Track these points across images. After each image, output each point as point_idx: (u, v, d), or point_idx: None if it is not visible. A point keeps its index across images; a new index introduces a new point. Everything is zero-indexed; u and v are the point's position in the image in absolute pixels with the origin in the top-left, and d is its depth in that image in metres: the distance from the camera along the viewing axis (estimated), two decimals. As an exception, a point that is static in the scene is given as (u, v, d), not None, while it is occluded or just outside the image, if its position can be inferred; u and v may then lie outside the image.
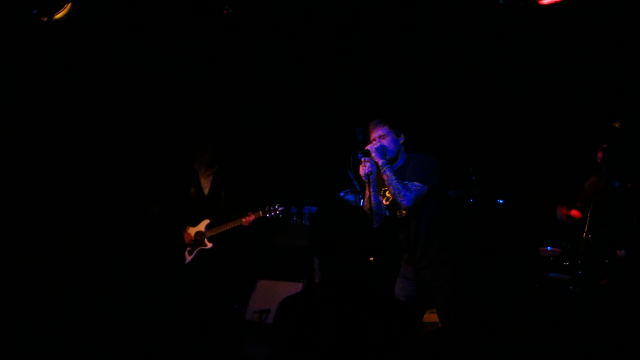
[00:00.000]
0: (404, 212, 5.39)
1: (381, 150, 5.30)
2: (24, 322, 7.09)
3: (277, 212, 7.16)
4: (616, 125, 6.37)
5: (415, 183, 5.24)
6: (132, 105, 8.36)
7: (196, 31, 7.51)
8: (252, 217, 7.16)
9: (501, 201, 8.17)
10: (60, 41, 6.76)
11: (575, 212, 6.94)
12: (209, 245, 7.37)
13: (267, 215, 7.15)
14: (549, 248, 7.52)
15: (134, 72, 8.05)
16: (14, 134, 7.46)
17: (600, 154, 6.57)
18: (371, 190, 5.38)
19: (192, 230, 7.47)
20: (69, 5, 5.66)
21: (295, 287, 7.47)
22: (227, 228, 7.29)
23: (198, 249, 7.39)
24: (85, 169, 8.13)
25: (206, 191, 7.58)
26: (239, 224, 7.22)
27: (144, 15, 6.91)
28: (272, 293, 7.53)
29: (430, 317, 6.38)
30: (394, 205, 5.43)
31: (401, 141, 5.47)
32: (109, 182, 8.26)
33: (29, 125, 7.62)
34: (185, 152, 7.73)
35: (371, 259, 6.30)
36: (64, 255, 7.78)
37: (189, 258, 7.42)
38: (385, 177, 5.26)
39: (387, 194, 5.47)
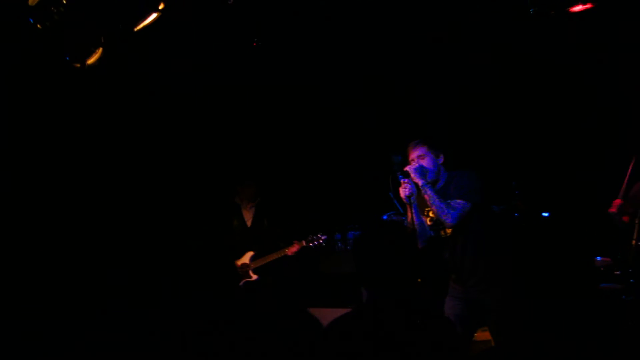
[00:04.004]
0: (448, 231, 5.34)
1: (420, 170, 5.27)
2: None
3: (321, 241, 7.16)
4: None
5: (459, 201, 5.20)
6: (173, 139, 8.42)
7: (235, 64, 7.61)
8: (295, 247, 7.17)
9: (546, 214, 8.08)
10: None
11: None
12: (254, 277, 7.37)
13: (311, 244, 7.15)
14: (598, 258, 7.40)
15: (176, 106, 8.13)
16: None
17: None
18: (413, 211, 5.34)
19: (237, 263, 7.48)
20: (100, 50, 5.73)
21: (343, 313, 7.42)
22: (272, 259, 7.29)
23: (244, 281, 7.40)
24: (130, 206, 8.18)
25: (249, 223, 7.61)
26: (283, 254, 7.22)
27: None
28: (322, 321, 7.48)
29: (483, 335, 6.30)
30: (437, 224, 5.39)
31: (440, 161, 5.44)
32: (151, 217, 8.28)
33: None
34: (227, 186, 7.76)
35: (419, 280, 6.25)
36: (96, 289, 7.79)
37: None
38: (426, 197, 5.22)
39: (430, 214, 5.42)
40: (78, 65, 5.73)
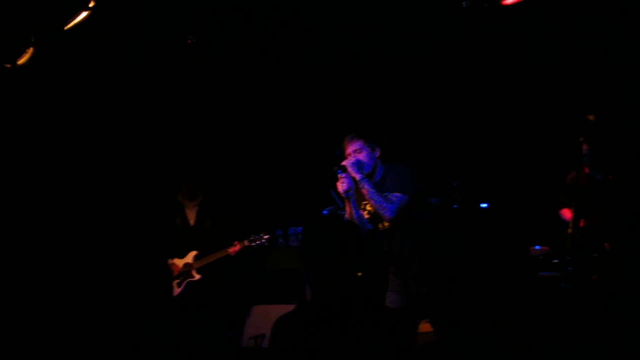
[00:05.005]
0: (386, 224, 5.37)
1: (357, 164, 5.27)
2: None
3: (263, 241, 7.14)
4: (590, 118, 6.39)
5: (395, 194, 5.21)
6: (117, 136, 8.36)
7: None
8: (237, 247, 7.14)
9: (485, 205, 8.16)
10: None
11: (566, 212, 6.92)
12: (197, 276, 7.32)
13: (253, 244, 7.13)
14: (537, 247, 7.50)
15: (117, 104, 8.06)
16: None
17: (585, 147, 6.58)
18: (352, 205, 5.36)
19: (179, 262, 7.43)
20: (31, 50, 5.65)
21: (289, 310, 7.43)
22: (214, 258, 7.25)
23: (186, 280, 7.34)
24: (68, 202, 8.10)
25: (192, 222, 7.55)
26: (225, 254, 7.19)
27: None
28: (266, 317, 7.49)
29: (425, 327, 6.35)
30: (375, 218, 5.41)
31: (377, 155, 5.45)
32: (92, 216, 8.20)
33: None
34: (170, 184, 7.70)
35: (359, 273, 6.28)
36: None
37: (177, 290, 7.37)
38: (364, 191, 5.22)
39: (368, 207, 5.44)
40: (9, 65, 5.65)
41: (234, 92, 8.62)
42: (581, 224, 6.61)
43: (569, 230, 6.54)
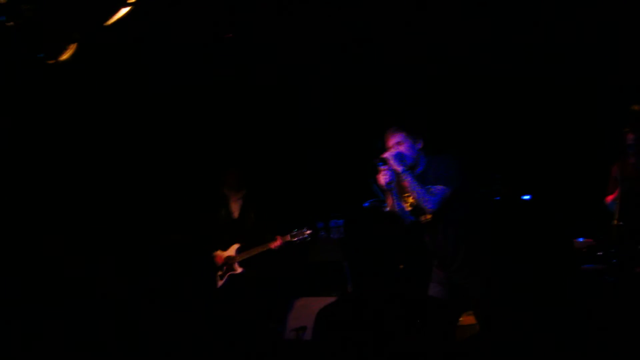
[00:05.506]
0: (428, 216, 5.35)
1: (399, 157, 5.26)
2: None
3: (305, 236, 7.14)
4: (636, 108, 6.31)
5: (438, 186, 5.20)
6: (161, 129, 8.46)
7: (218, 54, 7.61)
8: (279, 242, 7.15)
9: (527, 197, 8.09)
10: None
11: (609, 198, 6.85)
12: (239, 270, 7.35)
13: (295, 239, 7.13)
14: (580, 239, 7.42)
15: (163, 93, 8.15)
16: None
17: (630, 136, 6.51)
18: (393, 197, 5.36)
19: (222, 254, 7.46)
20: (74, 46, 5.70)
21: (330, 302, 7.44)
22: (257, 252, 7.27)
23: (229, 273, 7.38)
24: (115, 199, 8.22)
25: (235, 215, 7.57)
26: (267, 248, 7.20)
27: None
28: (308, 310, 7.50)
29: (468, 319, 6.33)
30: (417, 210, 5.40)
31: (419, 147, 5.43)
32: (137, 208, 8.29)
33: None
34: (215, 176, 7.73)
35: (401, 266, 6.28)
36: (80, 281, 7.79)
37: (220, 283, 7.41)
38: (406, 183, 5.21)
39: (410, 200, 5.43)
40: (52, 62, 5.70)
41: (278, 85, 8.63)
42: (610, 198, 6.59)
43: (615, 222, 6.47)
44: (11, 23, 5.25)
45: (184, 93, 8.28)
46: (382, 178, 5.28)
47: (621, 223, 6.41)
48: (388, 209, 5.44)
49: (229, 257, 7.42)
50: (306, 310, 7.55)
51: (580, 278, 7.15)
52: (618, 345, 5.89)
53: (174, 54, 7.54)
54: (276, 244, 7.16)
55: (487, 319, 5.34)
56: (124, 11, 5.68)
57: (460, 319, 6.28)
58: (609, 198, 6.81)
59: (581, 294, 6.98)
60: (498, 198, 7.90)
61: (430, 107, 8.36)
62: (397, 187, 5.38)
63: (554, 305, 7.01)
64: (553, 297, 7.17)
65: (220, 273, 7.43)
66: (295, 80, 8.51)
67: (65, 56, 5.71)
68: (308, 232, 7.14)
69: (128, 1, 5.56)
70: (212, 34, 7.31)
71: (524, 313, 6.73)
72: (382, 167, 5.28)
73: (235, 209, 7.58)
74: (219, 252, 7.51)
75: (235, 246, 7.43)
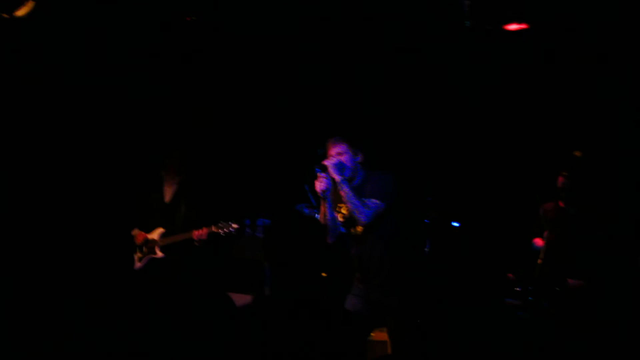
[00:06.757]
0: (359, 229, 5.37)
1: (339, 166, 5.27)
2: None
3: (231, 229, 7.05)
4: (577, 154, 6.44)
5: (374, 200, 5.23)
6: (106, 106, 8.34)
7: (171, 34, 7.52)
8: (204, 231, 7.04)
9: (456, 224, 8.18)
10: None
11: (538, 241, 6.96)
12: (160, 254, 7.25)
13: (220, 231, 7.03)
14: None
15: (113, 71, 8.02)
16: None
17: (561, 180, 6.65)
18: (327, 206, 5.36)
19: (143, 235, 7.33)
20: (31, 2, 5.58)
21: (244, 299, 7.39)
22: (180, 239, 7.17)
23: (149, 256, 7.27)
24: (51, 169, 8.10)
25: (167, 199, 7.45)
26: (189, 236, 7.10)
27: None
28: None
29: (380, 335, 6.37)
30: (349, 221, 5.42)
31: (358, 160, 5.46)
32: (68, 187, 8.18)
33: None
34: (154, 157, 7.62)
35: (324, 274, 6.29)
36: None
37: (138, 265, 7.29)
38: (342, 193, 5.22)
39: (343, 211, 5.44)
40: (6, 15, 5.57)
41: (228, 83, 8.60)
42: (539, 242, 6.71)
43: (539, 261, 6.59)
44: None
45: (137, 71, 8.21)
46: (319, 185, 5.27)
47: (545, 263, 6.55)
48: (320, 216, 5.44)
49: (151, 240, 7.30)
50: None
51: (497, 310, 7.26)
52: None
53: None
54: (200, 232, 7.06)
55: (401, 338, 5.37)
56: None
57: (372, 334, 6.31)
58: (537, 241, 6.93)
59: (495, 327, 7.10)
60: (427, 221, 7.97)
61: (373, 121, 8.42)
62: (332, 196, 5.38)
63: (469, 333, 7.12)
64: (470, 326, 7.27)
65: (139, 255, 7.31)
66: (254, 73, 8.50)
67: (21, 11, 5.59)
68: (235, 225, 7.06)
69: None
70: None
71: (438, 336, 6.81)
72: (320, 174, 5.27)
73: (168, 193, 7.45)
74: (138, 231, 7.38)
75: (160, 230, 7.30)
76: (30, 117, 7.87)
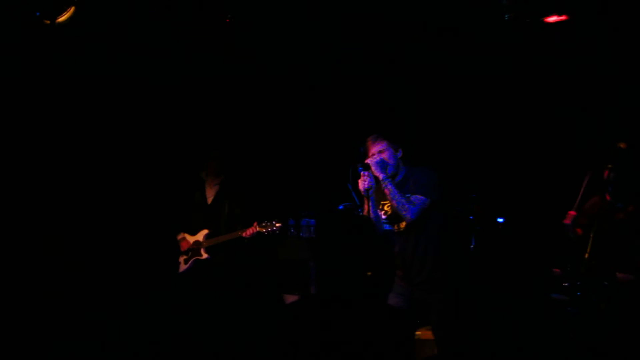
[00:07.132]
0: (402, 225, 5.35)
1: (381, 164, 5.26)
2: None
3: (275, 228, 7.07)
4: (622, 145, 6.34)
5: (418, 196, 5.20)
6: (143, 110, 8.41)
7: (205, 41, 7.55)
8: (251, 230, 7.08)
9: (501, 220, 8.11)
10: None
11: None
12: (205, 255, 7.29)
13: (264, 230, 7.06)
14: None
15: (145, 77, 8.08)
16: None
17: (606, 173, 6.55)
18: (370, 204, 5.35)
19: (190, 239, 7.40)
20: (72, 8, 5.63)
21: (291, 300, 7.43)
22: (225, 239, 7.21)
23: (194, 258, 7.32)
24: (91, 171, 8.18)
25: (209, 200, 7.51)
26: (236, 236, 7.14)
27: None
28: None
29: (425, 333, 6.33)
30: (392, 219, 5.39)
31: (399, 156, 5.44)
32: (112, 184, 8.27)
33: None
34: (194, 160, 7.68)
35: (369, 273, 6.26)
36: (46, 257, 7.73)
37: (183, 267, 7.35)
38: (387, 191, 5.21)
39: (386, 208, 5.42)
40: (48, 22, 5.63)
41: (269, 84, 8.63)
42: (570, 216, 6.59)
43: (586, 255, 6.49)
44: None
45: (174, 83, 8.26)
46: (362, 184, 5.27)
47: (592, 257, 6.45)
48: (364, 215, 5.42)
49: (196, 242, 7.36)
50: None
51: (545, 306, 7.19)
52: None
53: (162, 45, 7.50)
54: (249, 231, 7.09)
55: (445, 336, 5.33)
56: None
57: (418, 332, 6.27)
58: (571, 213, 6.77)
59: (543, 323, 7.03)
60: (472, 217, 7.92)
61: (414, 118, 8.38)
62: (375, 194, 5.37)
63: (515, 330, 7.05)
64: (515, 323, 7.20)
65: (185, 257, 7.36)
66: (290, 76, 8.51)
67: (62, 18, 5.64)
68: (278, 225, 7.08)
69: None
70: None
71: (484, 333, 6.75)
72: (363, 173, 5.27)
73: (210, 194, 7.51)
74: (186, 236, 7.44)
75: (204, 232, 7.37)
76: (76, 119, 7.94)
